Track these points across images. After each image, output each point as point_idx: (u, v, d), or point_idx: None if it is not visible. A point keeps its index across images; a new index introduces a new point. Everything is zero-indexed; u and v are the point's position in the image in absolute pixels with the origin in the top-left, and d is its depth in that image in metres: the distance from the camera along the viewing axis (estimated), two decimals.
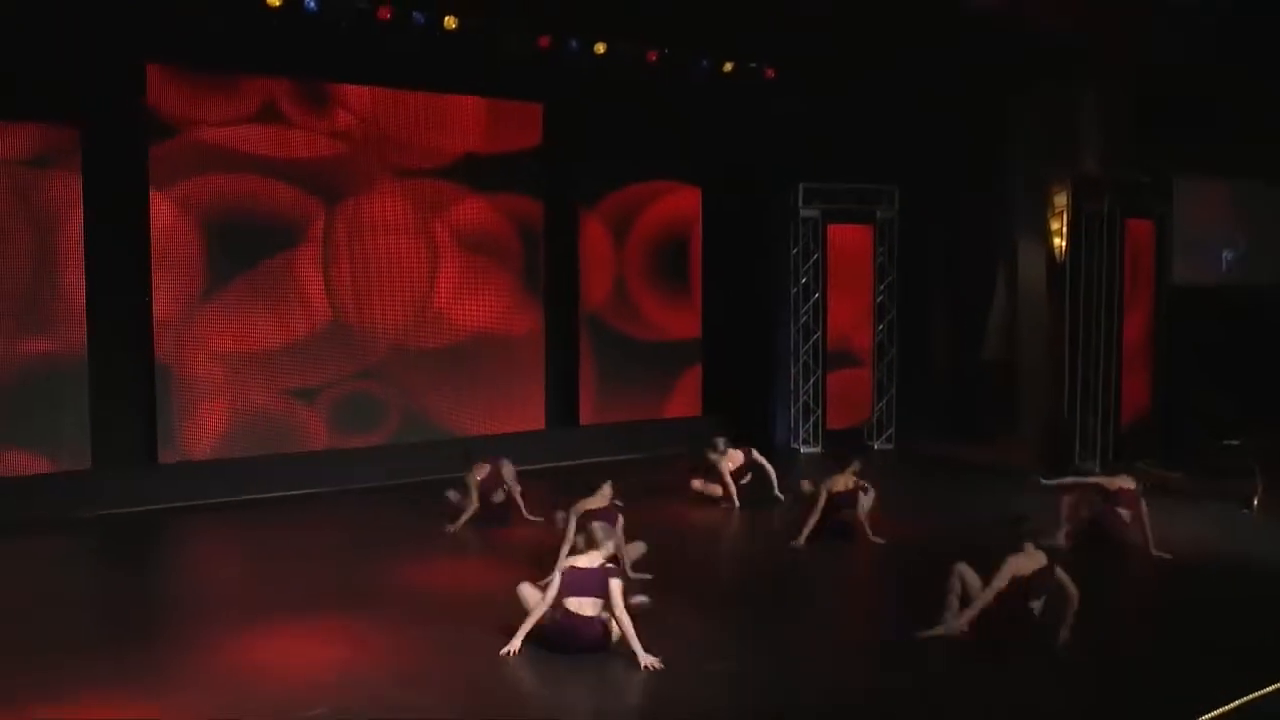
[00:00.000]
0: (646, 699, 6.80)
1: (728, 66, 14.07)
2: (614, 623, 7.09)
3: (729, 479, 11.54)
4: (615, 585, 7.02)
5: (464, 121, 13.13)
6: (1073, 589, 7.35)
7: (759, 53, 14.16)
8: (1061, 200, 13.74)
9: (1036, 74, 13.91)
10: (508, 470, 10.79)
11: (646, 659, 6.89)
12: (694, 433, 14.61)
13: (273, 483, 11.91)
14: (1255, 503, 11.37)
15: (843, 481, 10.12)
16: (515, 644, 7.13)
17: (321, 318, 12.35)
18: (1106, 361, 13.49)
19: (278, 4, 11.05)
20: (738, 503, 11.51)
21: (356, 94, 12.42)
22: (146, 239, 11.31)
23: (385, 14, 11.70)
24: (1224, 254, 14.77)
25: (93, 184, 11.00)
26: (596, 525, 7.41)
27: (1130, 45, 12.73)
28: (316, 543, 10.51)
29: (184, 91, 11.40)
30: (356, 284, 12.54)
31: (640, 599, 7.70)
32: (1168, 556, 9.58)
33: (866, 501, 10.21)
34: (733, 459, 11.65)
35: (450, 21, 12.03)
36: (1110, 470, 10.78)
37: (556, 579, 7.21)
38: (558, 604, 7.11)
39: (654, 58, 13.51)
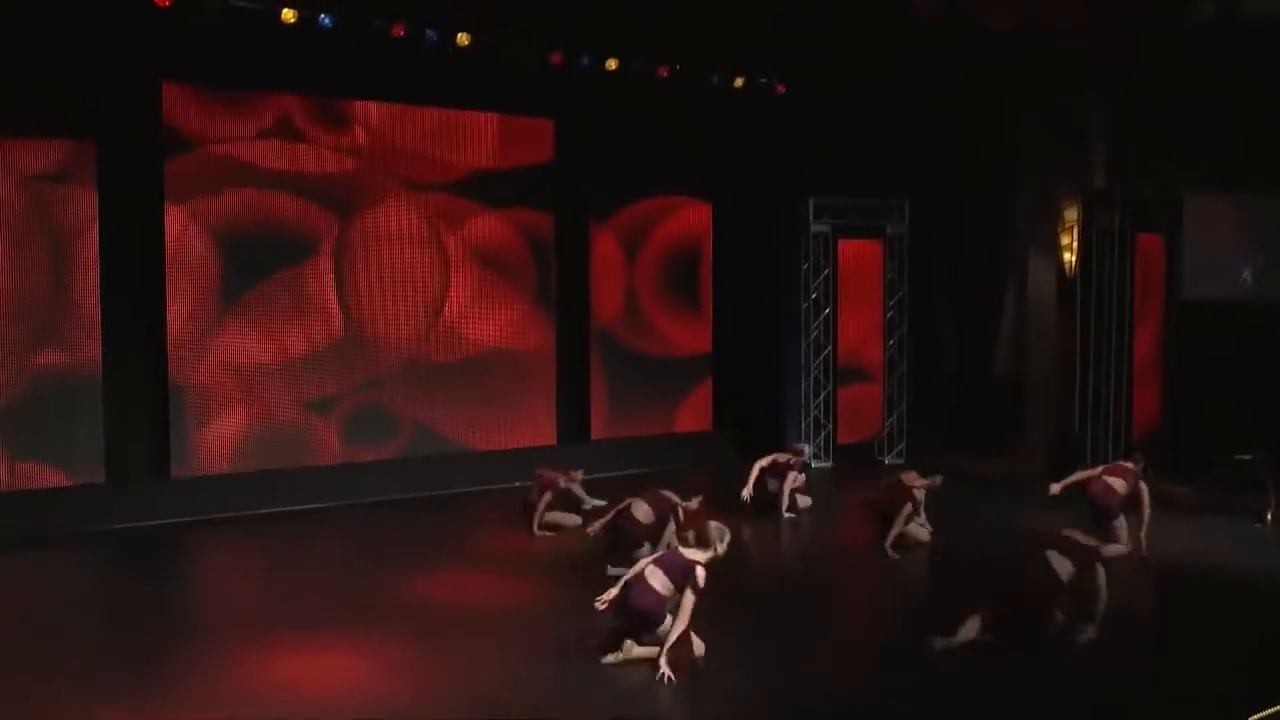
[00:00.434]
0: (663, 711, 6.81)
1: (738, 82, 14.14)
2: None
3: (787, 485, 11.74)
4: (700, 574, 7.07)
5: (476, 137, 13.21)
6: (1105, 590, 7.46)
7: (769, 68, 14.23)
8: (1072, 215, 13.79)
9: (1046, 88, 13.94)
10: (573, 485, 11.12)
11: (666, 668, 6.91)
12: (705, 447, 14.69)
13: (285, 497, 11.93)
14: (1269, 517, 11.34)
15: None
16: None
17: (334, 332, 12.41)
18: (1117, 375, 13.51)
19: (292, 21, 11.14)
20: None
21: (370, 110, 12.52)
22: (161, 253, 11.39)
23: (399, 31, 11.79)
24: (1244, 272, 14.74)
25: (109, 199, 11.09)
26: (712, 525, 7.47)
27: (1141, 59, 12.75)
28: (330, 557, 10.55)
29: (199, 108, 11.51)
30: (369, 298, 12.61)
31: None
32: (1146, 556, 9.71)
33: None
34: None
35: (463, 38, 12.13)
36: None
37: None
38: (640, 574, 7.18)
39: (664, 73, 13.58)
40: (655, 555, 7.58)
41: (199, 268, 11.60)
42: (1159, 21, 12.83)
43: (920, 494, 10.48)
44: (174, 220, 11.43)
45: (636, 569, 7.31)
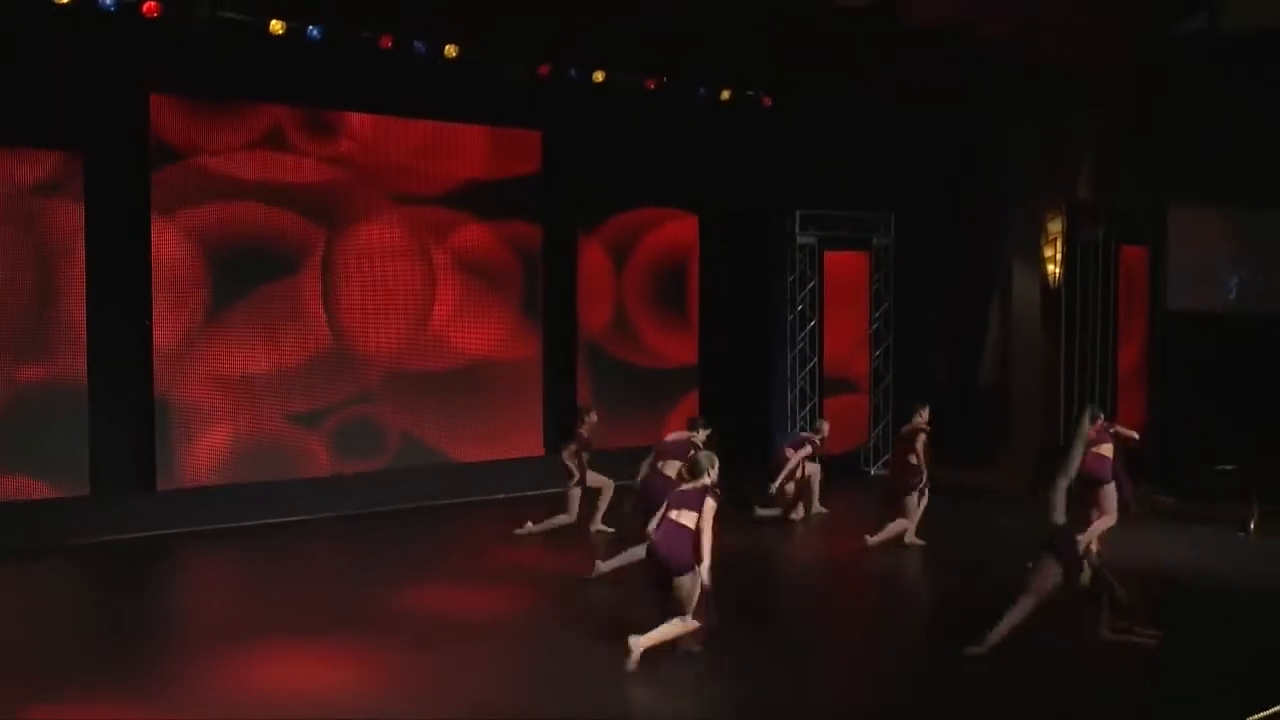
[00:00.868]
0: (664, 716, 6.83)
1: (725, 94, 14.21)
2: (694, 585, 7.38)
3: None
4: (710, 503, 7.49)
5: (464, 148, 13.22)
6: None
7: (756, 81, 14.30)
8: (1055, 227, 13.89)
9: (1031, 101, 14.04)
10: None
11: (707, 580, 7.32)
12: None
13: (272, 509, 11.90)
14: (1252, 526, 11.44)
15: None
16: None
17: (322, 343, 12.38)
18: (1101, 386, 13.59)
19: (281, 32, 11.14)
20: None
21: (358, 121, 12.52)
22: (148, 265, 11.35)
23: (387, 42, 11.81)
24: (1230, 281, 14.85)
25: (95, 211, 11.04)
26: (701, 455, 7.99)
27: (1125, 72, 12.86)
28: (317, 568, 10.56)
29: (187, 119, 11.48)
30: (357, 310, 12.59)
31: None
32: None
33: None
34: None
35: (451, 50, 12.15)
36: None
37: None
38: (664, 515, 7.59)
39: (652, 86, 13.64)
40: (670, 498, 7.81)
41: (186, 279, 11.56)
42: (1144, 34, 12.94)
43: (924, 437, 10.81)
44: (161, 232, 11.40)
45: (660, 514, 7.65)
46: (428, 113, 12.87)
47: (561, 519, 11.33)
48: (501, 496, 13.35)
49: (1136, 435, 10.96)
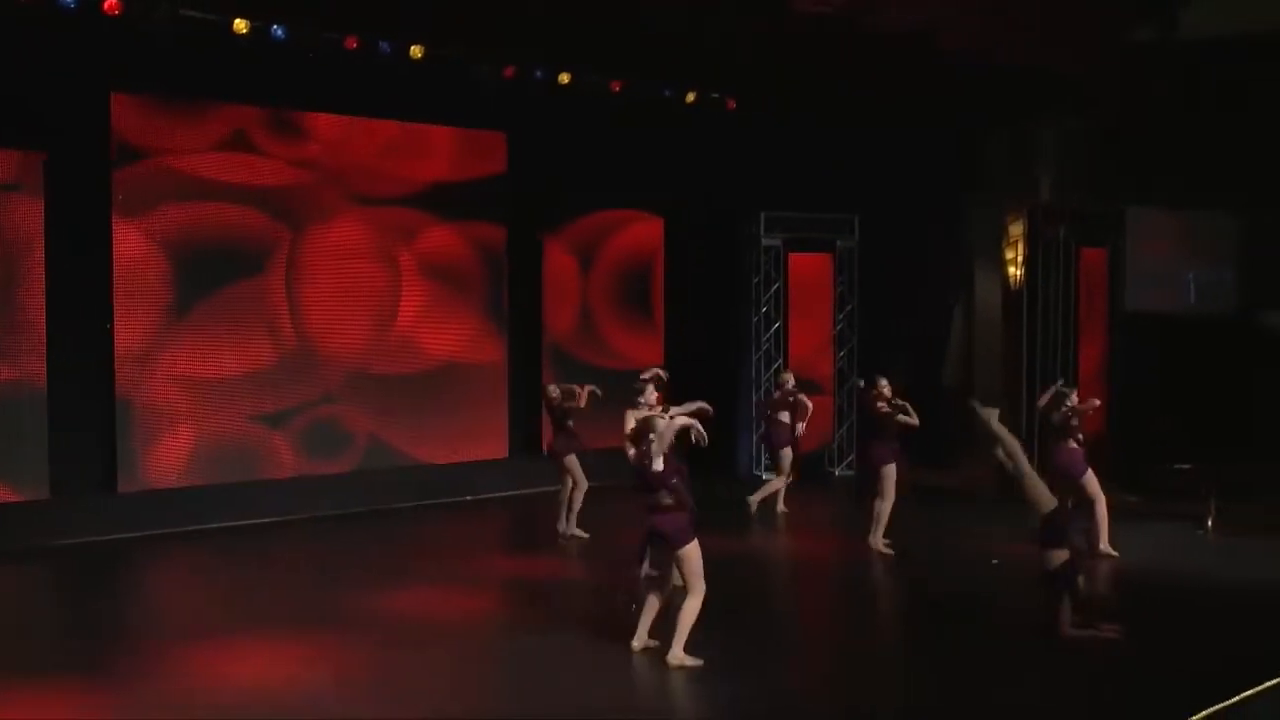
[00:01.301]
0: (630, 715, 6.84)
1: (690, 97, 14.26)
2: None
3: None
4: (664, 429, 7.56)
5: (429, 149, 13.19)
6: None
7: (721, 83, 14.36)
8: (1016, 229, 14.03)
9: (995, 106, 14.19)
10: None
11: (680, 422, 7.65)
12: None
13: (237, 511, 11.80)
14: (1209, 523, 11.63)
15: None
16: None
17: (287, 345, 12.30)
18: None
19: (245, 31, 11.06)
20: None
21: (322, 122, 12.45)
22: (109, 265, 11.23)
23: (352, 43, 11.75)
24: (1188, 282, 15.09)
25: (56, 210, 10.90)
26: (656, 421, 7.90)
27: (1088, 77, 13.03)
28: (282, 570, 10.46)
29: (150, 119, 11.38)
30: (322, 311, 12.52)
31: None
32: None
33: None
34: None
35: (416, 51, 12.11)
36: None
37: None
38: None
39: (617, 88, 13.66)
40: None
41: (149, 280, 11.44)
42: (1106, 41, 13.12)
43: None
44: (123, 232, 11.28)
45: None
46: (393, 113, 12.83)
47: None
48: (468, 499, 13.33)
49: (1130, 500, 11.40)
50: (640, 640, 7.75)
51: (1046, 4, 12.00)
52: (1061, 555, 7.98)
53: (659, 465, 7.49)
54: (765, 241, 15.08)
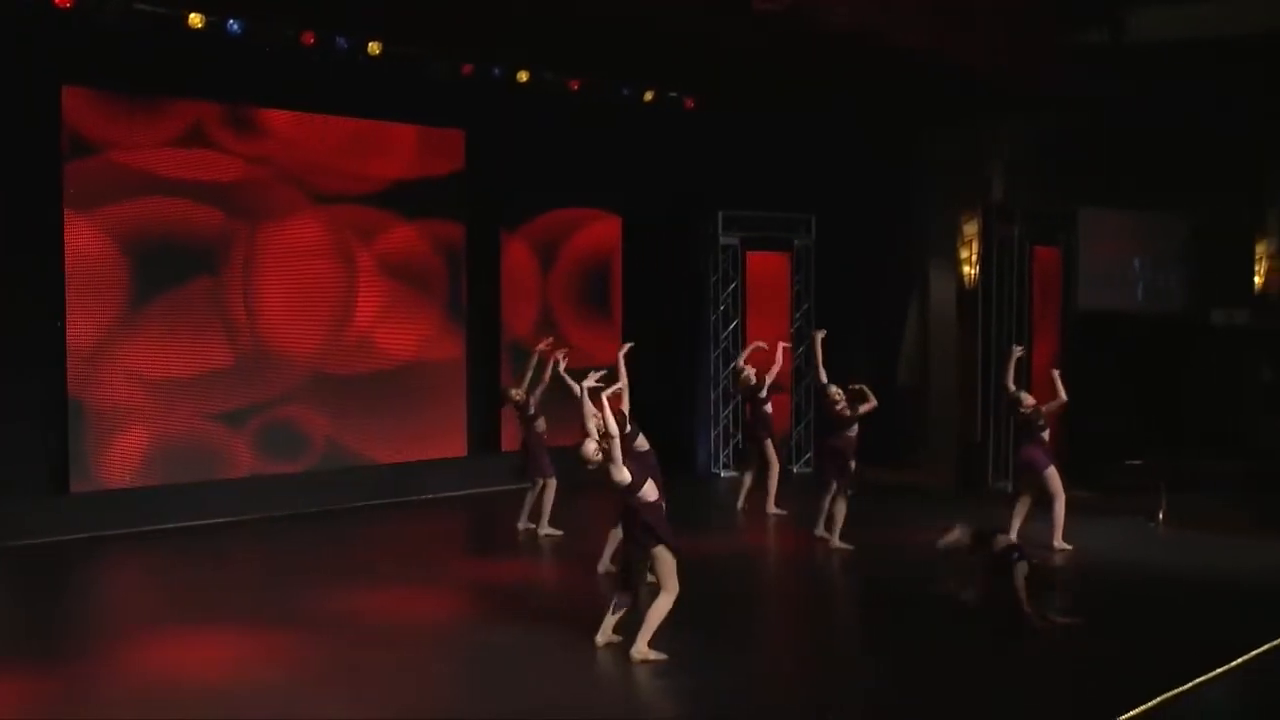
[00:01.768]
0: (593, 709, 6.84)
1: (648, 95, 14.29)
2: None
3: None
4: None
5: (387, 146, 13.12)
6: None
7: (679, 83, 14.40)
8: (971, 229, 14.20)
9: (949, 107, 14.36)
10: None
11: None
12: None
13: (193, 511, 11.66)
14: (1160, 516, 11.83)
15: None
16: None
17: (244, 343, 12.17)
18: (1017, 384, 13.87)
19: (200, 26, 10.95)
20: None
21: (279, 118, 12.35)
22: (60, 261, 11.06)
23: (309, 39, 11.66)
24: (1137, 281, 15.35)
25: (6, 204, 10.73)
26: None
27: (1039, 79, 13.21)
28: (240, 571, 10.39)
29: (103, 113, 11.22)
30: (278, 309, 12.40)
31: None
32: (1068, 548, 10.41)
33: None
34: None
35: (374, 47, 12.05)
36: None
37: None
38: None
39: (575, 86, 13.66)
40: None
41: (102, 277, 11.29)
42: (1056, 44, 13.33)
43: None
44: (75, 228, 11.12)
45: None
46: (350, 110, 12.74)
47: None
48: (426, 498, 13.27)
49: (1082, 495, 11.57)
50: (604, 635, 7.75)
51: (996, 6, 12.17)
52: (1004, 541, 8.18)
53: (624, 476, 7.47)
54: (723, 240, 15.15)
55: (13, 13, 10.28)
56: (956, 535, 8.47)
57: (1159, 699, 6.73)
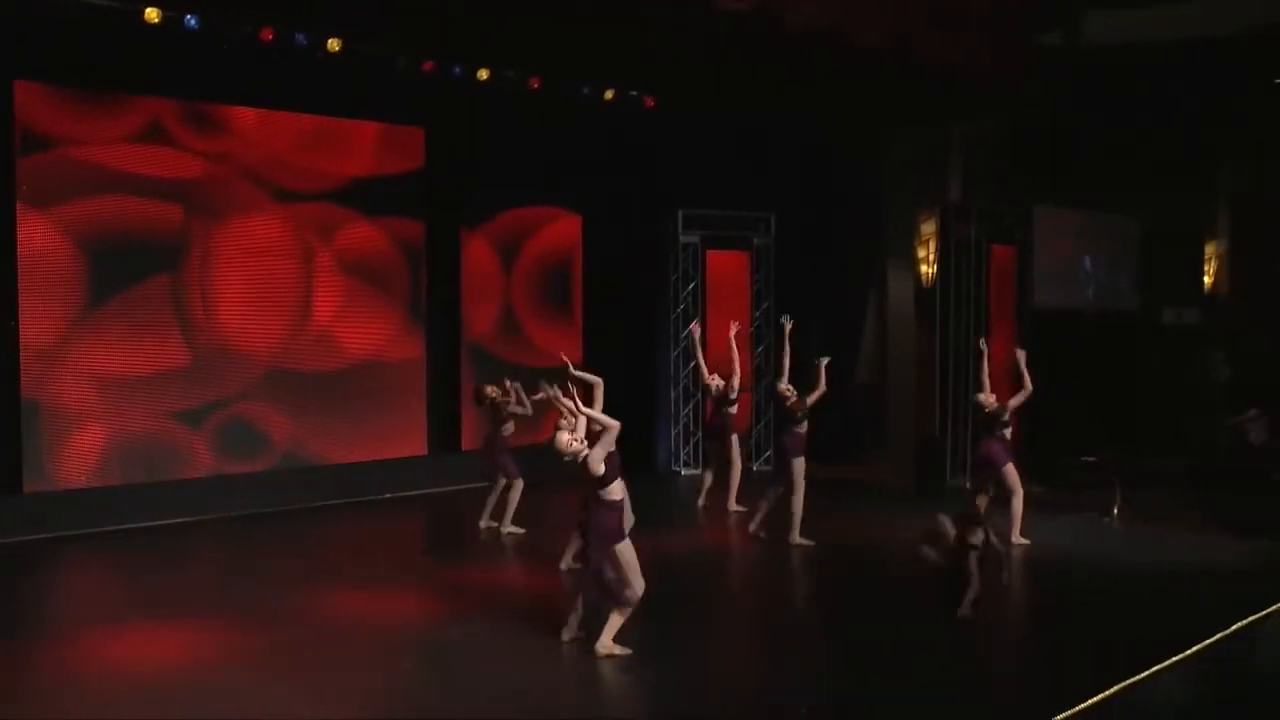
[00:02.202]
0: (560, 706, 6.85)
1: (609, 94, 14.31)
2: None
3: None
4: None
5: (346, 144, 13.05)
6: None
7: (639, 81, 14.43)
8: (928, 228, 14.35)
9: (907, 107, 14.49)
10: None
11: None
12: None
13: (151, 511, 11.54)
14: (1115, 512, 12.02)
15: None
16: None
17: (201, 342, 12.06)
18: (974, 382, 14.03)
19: (157, 20, 10.84)
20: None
21: (237, 115, 12.26)
22: (14, 259, 10.91)
23: (267, 35, 11.57)
24: (1088, 280, 15.56)
25: None
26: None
27: (997, 82, 13.36)
28: (200, 571, 10.29)
29: (57, 108, 11.08)
30: (237, 308, 12.30)
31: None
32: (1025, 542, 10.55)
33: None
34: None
35: (333, 44, 11.98)
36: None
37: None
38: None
39: (536, 84, 13.66)
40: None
41: (57, 274, 11.14)
42: (1016, 45, 13.48)
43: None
44: (29, 224, 10.97)
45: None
46: (310, 107, 12.66)
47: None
48: (387, 497, 13.22)
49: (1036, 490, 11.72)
50: (569, 631, 7.78)
51: (960, 6, 12.29)
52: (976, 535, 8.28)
53: (600, 469, 7.51)
54: (683, 239, 15.21)
55: None
56: (945, 528, 8.53)
57: (1116, 687, 6.85)
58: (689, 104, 14.32)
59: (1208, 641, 7.78)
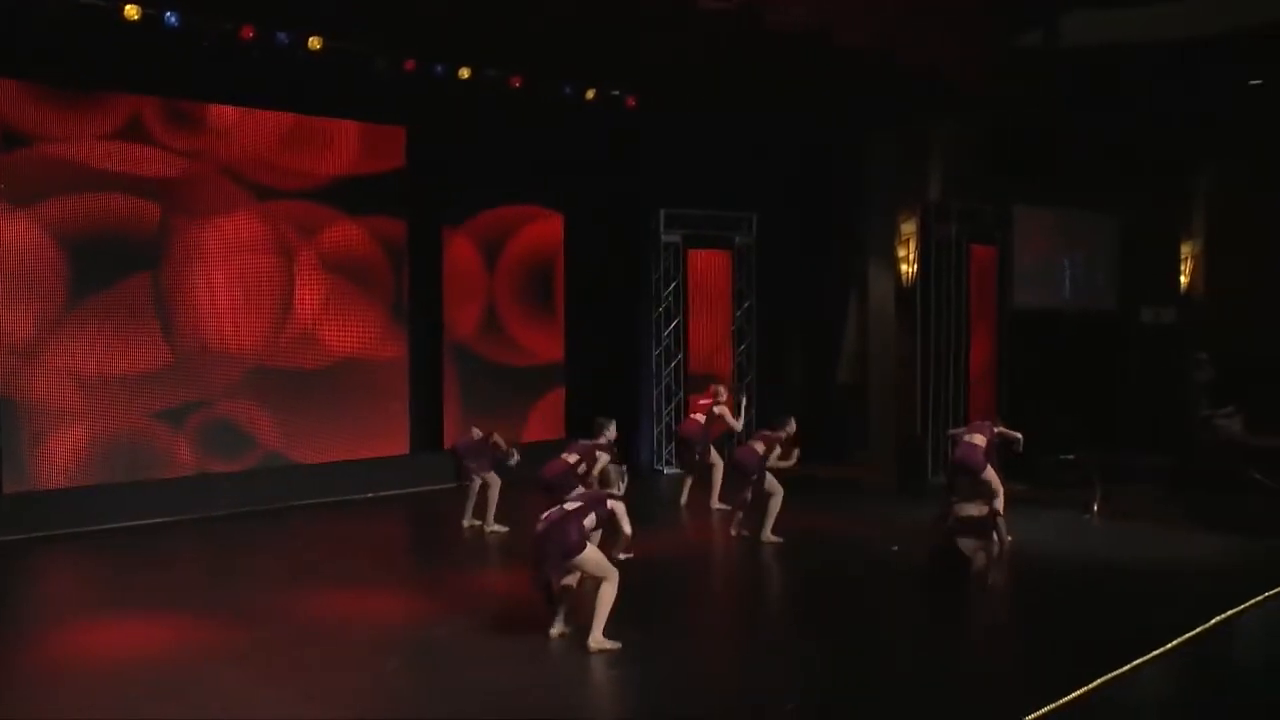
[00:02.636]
0: (550, 699, 6.86)
1: (590, 94, 14.32)
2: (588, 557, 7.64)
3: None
4: (609, 503, 7.80)
5: (328, 143, 13.02)
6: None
7: (621, 81, 14.45)
8: (908, 228, 14.41)
9: (888, 108, 14.54)
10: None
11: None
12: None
13: (131, 511, 11.50)
14: (1095, 509, 12.11)
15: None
16: None
17: (182, 341, 12.01)
18: (955, 380, 14.14)
19: (136, 18, 10.79)
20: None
21: (218, 113, 12.21)
22: None
23: (248, 33, 11.53)
24: (1064, 279, 15.65)
25: None
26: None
27: (977, 83, 13.43)
28: (181, 571, 10.22)
29: (36, 105, 11.03)
30: (218, 306, 12.26)
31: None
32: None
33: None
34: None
35: (315, 42, 11.95)
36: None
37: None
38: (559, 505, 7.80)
39: (518, 84, 13.65)
40: (580, 494, 8.07)
41: (36, 272, 11.08)
42: (996, 46, 13.55)
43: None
44: (6, 222, 10.91)
45: (566, 505, 7.76)
46: (291, 106, 12.63)
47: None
48: (370, 496, 13.19)
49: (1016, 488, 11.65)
50: (557, 627, 7.78)
51: (940, 7, 12.35)
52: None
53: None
54: (665, 238, 15.24)
55: None
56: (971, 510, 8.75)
57: (1096, 682, 6.90)
58: (671, 104, 14.35)
59: (1186, 636, 7.85)
